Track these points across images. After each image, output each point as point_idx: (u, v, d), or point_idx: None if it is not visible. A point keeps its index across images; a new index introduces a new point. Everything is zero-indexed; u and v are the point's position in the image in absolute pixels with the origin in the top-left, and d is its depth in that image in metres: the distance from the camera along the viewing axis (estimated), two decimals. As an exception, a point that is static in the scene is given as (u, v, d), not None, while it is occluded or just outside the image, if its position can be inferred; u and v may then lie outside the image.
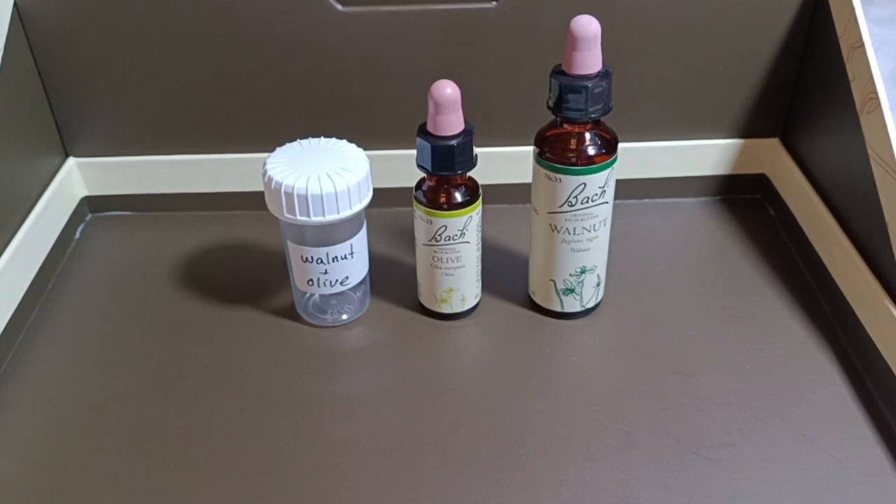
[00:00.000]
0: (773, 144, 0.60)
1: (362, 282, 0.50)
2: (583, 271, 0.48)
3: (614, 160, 0.45)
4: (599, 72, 0.43)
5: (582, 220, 0.46)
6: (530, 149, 0.47)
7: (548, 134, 0.45)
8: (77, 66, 0.55)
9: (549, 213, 0.46)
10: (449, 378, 0.47)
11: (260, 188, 0.50)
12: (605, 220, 0.47)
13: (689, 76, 0.56)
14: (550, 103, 0.44)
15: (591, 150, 0.44)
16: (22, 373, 0.48)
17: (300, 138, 0.49)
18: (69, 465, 0.42)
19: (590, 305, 0.50)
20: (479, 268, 0.50)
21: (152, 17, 0.53)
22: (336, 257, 0.47)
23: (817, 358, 0.48)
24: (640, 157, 0.59)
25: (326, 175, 0.45)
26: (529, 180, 0.47)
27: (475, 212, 0.47)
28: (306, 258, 0.47)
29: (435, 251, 0.48)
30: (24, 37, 0.53)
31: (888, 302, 0.45)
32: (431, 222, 0.46)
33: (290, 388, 0.46)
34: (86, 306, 0.53)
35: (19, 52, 0.53)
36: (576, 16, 0.42)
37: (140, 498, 0.40)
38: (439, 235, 0.47)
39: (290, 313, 0.51)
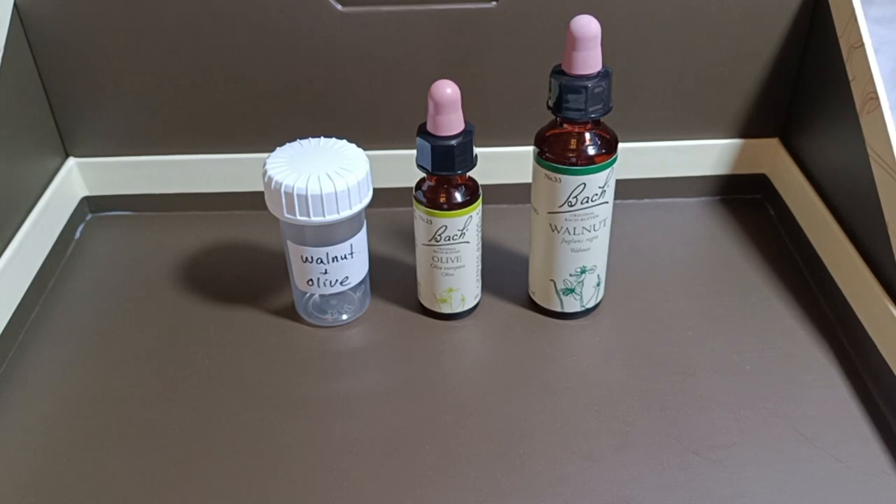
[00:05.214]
0: (773, 144, 0.60)
1: (362, 282, 0.50)
2: (583, 271, 0.48)
3: (614, 160, 0.45)
4: (599, 72, 0.43)
5: (582, 220, 0.46)
6: (530, 149, 0.47)
7: (548, 134, 0.45)
8: (77, 66, 0.55)
9: (549, 213, 0.46)
10: (449, 378, 0.47)
11: (260, 188, 0.50)
12: (605, 220, 0.47)
13: (689, 76, 0.56)
14: (550, 103, 0.44)
15: (591, 150, 0.44)
16: (22, 373, 0.48)
17: (300, 138, 0.49)
18: (69, 465, 0.42)
19: (590, 305, 0.50)
20: (479, 268, 0.50)
21: (152, 17, 0.53)
22: (336, 257, 0.47)
23: (817, 358, 0.48)
24: (640, 157, 0.59)
25: (326, 175, 0.45)
26: (529, 180, 0.47)
27: (475, 212, 0.47)
28: (306, 258, 0.47)
29: (435, 251, 0.48)
30: (24, 37, 0.53)
31: (888, 302, 0.45)
32: (431, 222, 0.46)
33: (290, 388, 0.46)
34: (86, 306, 0.53)
35: (19, 52, 0.53)
36: (576, 16, 0.42)
37: (140, 498, 0.40)
38: (439, 235, 0.47)
39: (290, 313, 0.51)
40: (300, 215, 0.45)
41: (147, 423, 0.44)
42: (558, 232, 0.47)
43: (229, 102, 0.57)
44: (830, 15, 0.52)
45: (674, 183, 0.61)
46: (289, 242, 0.48)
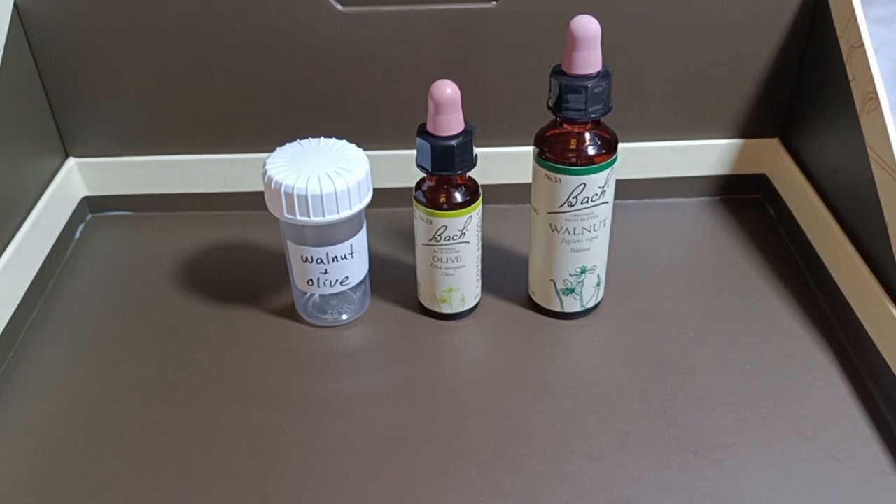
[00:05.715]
0: (773, 144, 0.60)
1: (362, 282, 0.50)
2: (583, 271, 0.48)
3: (614, 160, 0.45)
4: (599, 72, 0.43)
5: (582, 220, 0.46)
6: (530, 149, 0.47)
7: (548, 134, 0.45)
8: (77, 66, 0.55)
9: (549, 213, 0.46)
10: (449, 378, 0.47)
11: (260, 188, 0.50)
12: (605, 220, 0.47)
13: (689, 76, 0.56)
14: (550, 103, 0.44)
15: (591, 150, 0.44)
16: (22, 373, 0.48)
17: (300, 138, 0.49)
18: (69, 465, 0.42)
19: (590, 305, 0.50)
20: (479, 268, 0.50)
21: (152, 17, 0.53)
22: (336, 257, 0.47)
23: (817, 358, 0.48)
24: (640, 157, 0.59)
25: (326, 175, 0.45)
26: (529, 180, 0.47)
27: (475, 212, 0.47)
28: (306, 258, 0.47)
29: (435, 251, 0.48)
30: (24, 37, 0.53)
31: (888, 302, 0.45)
32: (431, 222, 0.46)
33: (290, 388, 0.46)
34: (86, 306, 0.53)
35: (19, 52, 0.53)
36: (576, 16, 0.42)
37: (140, 498, 0.40)
38: (439, 235, 0.47)
39: (290, 313, 0.51)
40: (300, 215, 0.45)
41: (147, 423, 0.44)
42: (558, 232, 0.47)
43: (229, 102, 0.56)
44: (830, 15, 0.52)
45: (674, 183, 0.61)
46: (289, 242, 0.48)
